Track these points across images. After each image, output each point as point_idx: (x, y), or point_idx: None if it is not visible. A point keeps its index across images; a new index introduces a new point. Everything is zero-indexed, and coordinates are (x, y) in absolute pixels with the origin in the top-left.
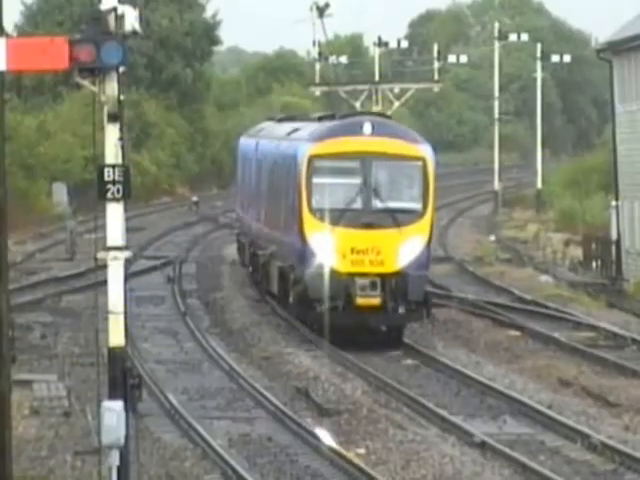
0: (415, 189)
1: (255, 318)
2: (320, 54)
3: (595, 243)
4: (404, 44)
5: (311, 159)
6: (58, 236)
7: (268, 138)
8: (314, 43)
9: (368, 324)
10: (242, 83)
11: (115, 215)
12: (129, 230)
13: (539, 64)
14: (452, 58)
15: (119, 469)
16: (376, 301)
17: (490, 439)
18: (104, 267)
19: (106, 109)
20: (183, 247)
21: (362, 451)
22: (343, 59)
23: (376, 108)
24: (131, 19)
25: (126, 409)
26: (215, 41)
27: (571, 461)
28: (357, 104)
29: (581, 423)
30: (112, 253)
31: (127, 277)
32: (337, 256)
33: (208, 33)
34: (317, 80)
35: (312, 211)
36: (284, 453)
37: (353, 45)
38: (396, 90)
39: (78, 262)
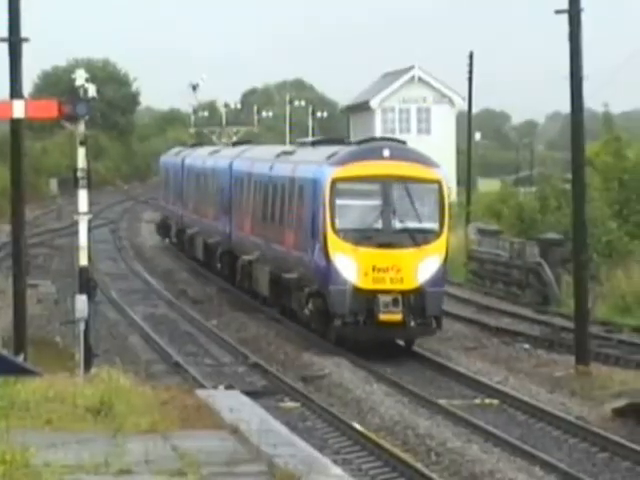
0: (432, 210)
1: (158, 249)
2: None
3: None
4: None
5: (334, 182)
6: (52, 207)
7: (257, 161)
8: None
9: (388, 338)
10: None
11: (83, 195)
12: (89, 203)
13: (310, 119)
14: None
15: (85, 332)
16: (398, 317)
17: None
18: (77, 223)
19: (78, 139)
20: (119, 213)
21: (215, 322)
22: None
23: None
24: (92, 91)
25: (88, 299)
26: None
27: None
28: None
29: None
30: (81, 215)
31: (90, 229)
32: (359, 274)
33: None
34: None
35: (336, 231)
36: (173, 323)
37: None
38: None
39: (63, 221)
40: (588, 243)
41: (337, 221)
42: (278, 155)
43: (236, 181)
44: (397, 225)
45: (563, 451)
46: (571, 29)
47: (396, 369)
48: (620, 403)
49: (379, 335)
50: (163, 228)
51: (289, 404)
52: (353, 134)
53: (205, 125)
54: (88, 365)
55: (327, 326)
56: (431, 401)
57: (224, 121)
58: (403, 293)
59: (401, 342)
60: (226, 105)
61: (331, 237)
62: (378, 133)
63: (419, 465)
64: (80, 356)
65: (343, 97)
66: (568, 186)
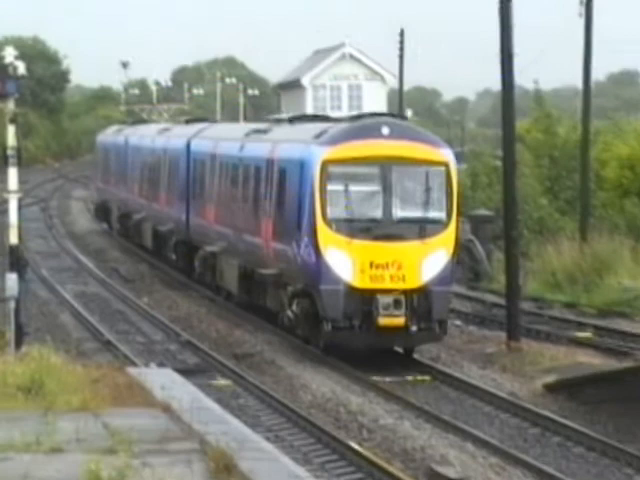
0: (439, 197)
1: (91, 227)
2: None
3: None
4: None
5: (325, 164)
6: None
7: (223, 140)
8: None
9: (387, 345)
10: None
11: (13, 173)
12: (19, 182)
13: (241, 96)
14: None
15: (15, 310)
16: (400, 321)
17: None
18: (7, 202)
19: (8, 117)
20: (49, 191)
21: (146, 300)
22: None
23: None
24: (21, 69)
25: (19, 277)
26: None
27: None
28: None
29: None
30: (11, 194)
31: (20, 207)
32: (355, 271)
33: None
34: None
35: (327, 222)
36: (105, 301)
37: None
38: None
39: None
40: (519, 220)
41: (329, 210)
42: (248, 134)
43: (196, 163)
44: (398, 214)
45: (495, 427)
46: (501, 5)
47: (327, 346)
48: (551, 379)
49: (377, 342)
50: (101, 211)
51: (221, 382)
52: (285, 111)
53: (136, 103)
54: (19, 343)
55: (315, 331)
56: (363, 378)
57: (155, 99)
58: (405, 293)
59: (399, 349)
60: (157, 83)
61: (321, 228)
62: (309, 110)
63: (351, 442)
64: (11, 334)
65: (274, 75)
66: (499, 163)
